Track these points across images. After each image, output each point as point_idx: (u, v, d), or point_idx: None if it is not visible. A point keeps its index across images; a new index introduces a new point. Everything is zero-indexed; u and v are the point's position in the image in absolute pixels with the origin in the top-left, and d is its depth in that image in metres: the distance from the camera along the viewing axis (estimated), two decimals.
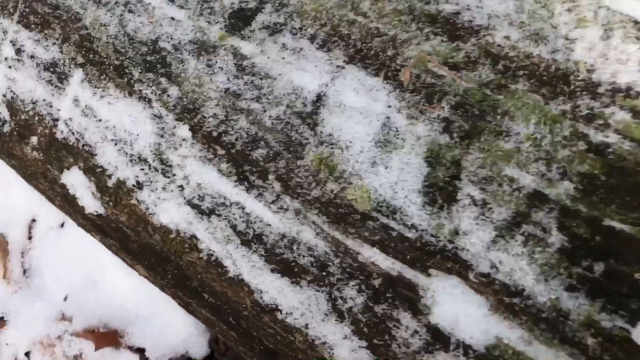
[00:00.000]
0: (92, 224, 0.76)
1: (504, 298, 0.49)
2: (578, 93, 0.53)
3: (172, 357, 0.93)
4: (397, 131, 0.55)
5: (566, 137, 0.51)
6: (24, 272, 1.08)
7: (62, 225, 1.07)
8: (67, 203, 0.78)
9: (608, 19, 0.56)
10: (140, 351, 0.96)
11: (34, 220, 1.10)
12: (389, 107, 0.56)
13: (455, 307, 0.51)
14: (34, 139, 0.74)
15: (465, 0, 0.59)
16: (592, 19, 0.56)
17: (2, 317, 1.06)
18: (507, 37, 0.57)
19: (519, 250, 0.49)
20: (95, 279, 1.01)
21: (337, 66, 0.59)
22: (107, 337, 0.97)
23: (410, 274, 0.53)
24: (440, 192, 0.52)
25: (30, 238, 1.10)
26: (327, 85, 0.59)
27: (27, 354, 1.03)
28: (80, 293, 1.02)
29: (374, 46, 0.59)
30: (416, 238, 0.53)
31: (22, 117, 0.74)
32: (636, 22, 0.55)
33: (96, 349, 0.95)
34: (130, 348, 0.97)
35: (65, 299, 1.02)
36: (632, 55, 0.53)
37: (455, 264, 0.51)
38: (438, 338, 0.52)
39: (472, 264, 0.51)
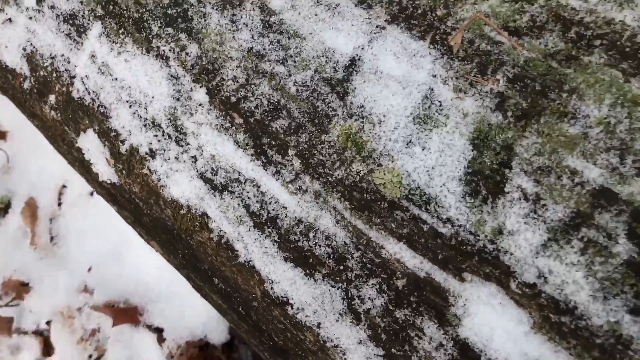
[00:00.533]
0: (108, 193, 0.72)
1: (551, 315, 0.41)
2: None
3: (190, 340, 0.90)
4: (440, 106, 0.48)
5: None
6: (51, 239, 1.07)
7: (92, 194, 1.05)
8: (84, 169, 0.74)
9: None
10: (159, 331, 0.93)
11: (64, 187, 1.09)
12: (434, 76, 0.49)
13: (491, 321, 0.43)
14: (52, 98, 0.71)
15: None
16: None
17: (28, 284, 1.05)
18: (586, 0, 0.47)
19: (574, 258, 0.41)
20: (121, 252, 0.99)
21: (377, 26, 0.52)
22: (126, 314, 0.94)
23: (440, 276, 0.46)
24: (485, 181, 0.45)
25: (59, 204, 1.09)
26: (363, 49, 0.52)
27: (47, 323, 1.02)
28: (104, 265, 1.00)
29: (422, 4, 0.52)
30: (451, 235, 0.45)
31: (41, 73, 0.71)
32: None
33: (114, 325, 0.92)
34: (149, 327, 0.94)
35: (89, 270, 1.00)
36: None
37: (495, 269, 0.43)
38: (466, 355, 0.44)
39: (516, 271, 0.43)
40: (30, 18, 0.72)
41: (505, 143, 0.46)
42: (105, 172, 0.69)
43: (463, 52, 0.49)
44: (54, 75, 0.70)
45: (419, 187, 0.48)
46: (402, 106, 0.49)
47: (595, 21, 0.47)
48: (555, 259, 0.42)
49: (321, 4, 0.55)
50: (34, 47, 0.72)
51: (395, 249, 0.48)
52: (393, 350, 0.48)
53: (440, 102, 0.48)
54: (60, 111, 0.71)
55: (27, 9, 0.71)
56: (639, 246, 0.41)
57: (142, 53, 0.62)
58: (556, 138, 0.44)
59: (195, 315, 0.91)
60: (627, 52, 0.45)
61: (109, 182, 0.69)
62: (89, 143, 0.69)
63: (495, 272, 0.44)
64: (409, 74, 0.50)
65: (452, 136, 0.47)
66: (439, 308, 0.46)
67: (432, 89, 0.49)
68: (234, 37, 0.57)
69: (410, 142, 0.48)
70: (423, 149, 0.48)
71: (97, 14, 0.66)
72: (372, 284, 0.49)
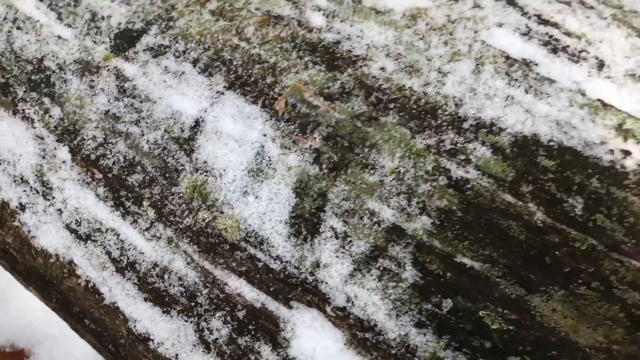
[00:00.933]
0: None
1: (358, 333, 0.52)
2: (444, 127, 0.56)
3: None
4: (269, 161, 0.58)
5: (428, 172, 0.54)
6: None
7: None
8: None
9: (482, 53, 0.59)
10: None
11: None
12: (264, 135, 0.59)
13: (313, 341, 0.53)
14: None
15: (347, 30, 0.62)
16: (466, 53, 0.59)
17: None
18: (382, 69, 0.59)
19: (373, 284, 0.52)
20: (6, 296, 1.02)
21: (217, 92, 0.62)
22: (12, 357, 0.98)
23: (273, 305, 0.55)
24: (305, 223, 0.55)
25: None
26: (205, 111, 0.61)
27: None
28: None
29: (254, 73, 0.62)
30: (280, 269, 0.55)
31: None
32: (508, 57, 0.58)
33: None
34: None
35: None
36: (499, 90, 0.56)
37: (315, 296, 0.54)
38: None
39: (330, 297, 0.53)
40: None
41: (320, 191, 0.56)
42: None
43: (287, 115, 0.60)
44: None
45: (254, 230, 0.57)
46: (238, 161, 0.59)
47: (390, 87, 0.59)
48: (360, 285, 0.53)
49: (169, 72, 0.64)
50: None
51: (237, 285, 0.57)
52: None
53: (269, 157, 0.59)
54: None
55: None
56: (422, 272, 0.52)
57: (9, 115, 0.68)
58: (359, 185, 0.56)
59: (82, 354, 0.96)
60: (414, 113, 0.57)
61: None
62: None
63: (315, 299, 0.55)
64: (244, 133, 0.60)
65: (279, 186, 0.57)
66: (272, 333, 0.56)
67: (263, 146, 0.59)
68: (92, 100, 0.65)
69: (245, 192, 0.58)
70: (256, 198, 0.58)
71: None
72: (218, 317, 0.58)
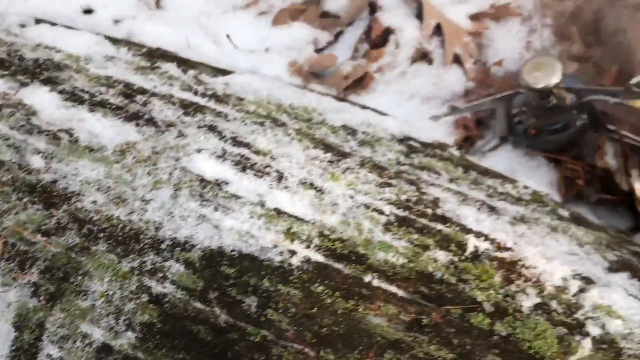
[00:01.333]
0: None
1: None
2: (146, 250, 0.67)
3: None
4: None
5: (132, 291, 0.65)
6: None
7: None
8: None
9: (180, 178, 0.71)
10: None
11: None
12: None
13: None
14: None
15: (64, 169, 0.72)
16: (167, 180, 0.71)
17: None
18: (94, 202, 0.69)
19: None
20: None
21: None
22: None
23: None
24: (24, 354, 0.63)
25: None
26: None
27: None
28: None
29: None
30: None
31: None
32: (202, 180, 0.71)
33: None
34: None
35: None
36: (192, 211, 0.69)
37: None
38: None
39: None
40: None
41: (39, 321, 0.65)
42: None
43: (7, 254, 0.68)
44: None
45: None
46: None
47: (100, 218, 0.69)
48: None
49: None
50: None
51: None
52: None
53: None
54: None
55: None
56: None
57: None
58: (74, 312, 0.65)
59: None
60: (120, 239, 0.68)
61: None
62: None
63: None
64: None
65: (0, 323, 0.65)
66: None
67: None
68: None
69: None
70: None
71: None
72: None
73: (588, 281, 0.68)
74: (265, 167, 0.74)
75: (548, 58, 0.95)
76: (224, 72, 0.90)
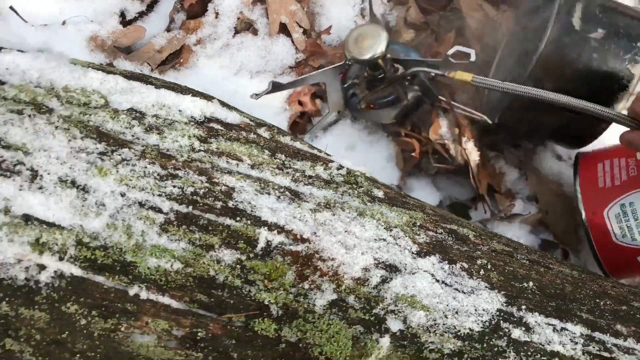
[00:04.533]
0: None
1: None
2: None
3: None
4: None
5: None
6: None
7: None
8: None
9: None
10: None
11: None
12: None
13: None
14: None
15: None
16: None
17: None
18: None
19: None
20: None
21: None
22: None
23: None
24: None
25: None
26: None
27: None
28: None
29: None
30: None
31: None
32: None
33: None
34: None
35: None
36: None
37: None
38: None
39: None
40: None
41: None
42: None
43: None
44: None
45: None
46: None
47: None
48: None
49: None
50: None
51: None
52: None
53: None
54: None
55: None
56: None
57: None
58: None
59: None
60: None
61: None
62: None
63: None
64: None
65: None
66: None
67: None
68: None
69: None
70: None
71: None
72: None
73: (392, 269, 0.63)
74: (16, 164, 0.63)
75: (373, 27, 0.90)
76: None
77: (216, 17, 1.08)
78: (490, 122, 0.92)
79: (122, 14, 1.05)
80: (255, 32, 1.09)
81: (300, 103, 1.09)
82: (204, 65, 1.07)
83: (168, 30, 1.07)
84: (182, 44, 1.06)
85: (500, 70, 1.03)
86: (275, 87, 0.96)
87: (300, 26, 1.12)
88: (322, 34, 1.08)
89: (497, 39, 1.09)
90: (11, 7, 0.96)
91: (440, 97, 0.96)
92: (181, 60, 1.06)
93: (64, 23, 1.01)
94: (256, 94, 0.95)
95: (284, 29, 1.10)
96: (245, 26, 1.09)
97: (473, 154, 1.04)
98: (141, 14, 1.08)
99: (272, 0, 1.08)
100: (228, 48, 1.08)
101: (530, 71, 0.83)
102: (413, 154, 1.05)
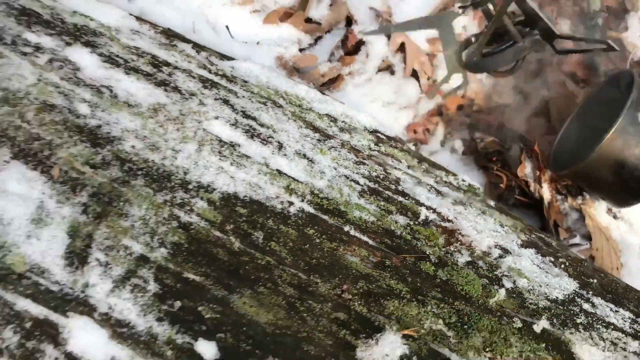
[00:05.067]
0: None
1: (117, 329, 0.83)
2: (176, 188, 0.90)
3: None
4: (48, 213, 0.87)
5: (165, 218, 0.88)
6: None
7: None
8: None
9: (203, 137, 0.95)
10: None
11: None
12: (43, 194, 0.88)
13: (86, 338, 0.83)
14: None
15: (107, 117, 0.94)
16: (192, 137, 0.95)
17: None
18: (133, 146, 0.92)
19: (127, 295, 0.84)
20: None
21: (4, 161, 0.89)
22: None
23: (54, 316, 0.83)
24: (77, 257, 0.85)
25: None
26: None
27: None
28: None
29: (34, 147, 0.90)
30: (58, 290, 0.84)
31: None
32: (220, 141, 0.96)
33: None
34: None
35: None
36: (213, 163, 0.93)
37: (85, 307, 0.83)
38: None
39: (96, 307, 0.83)
40: None
41: (88, 233, 0.87)
42: None
43: (62, 178, 0.89)
44: None
45: (36, 263, 0.86)
46: (23, 213, 0.87)
47: (138, 160, 0.92)
48: (117, 297, 0.85)
49: None
50: None
51: (24, 304, 0.85)
52: None
53: (48, 210, 0.88)
54: None
55: None
56: (160, 285, 0.85)
57: None
58: (117, 228, 0.87)
59: None
60: (155, 178, 0.91)
61: None
62: None
63: (86, 309, 0.84)
64: (27, 192, 0.88)
65: (56, 231, 0.87)
66: (53, 336, 0.84)
67: (42, 202, 0.88)
68: None
69: (29, 236, 0.86)
70: (38, 240, 0.86)
71: None
72: (9, 328, 0.84)
73: (505, 251, 0.98)
74: (269, 137, 1.00)
75: None
76: (227, 58, 1.14)
77: (366, 57, 1.46)
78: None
79: (299, 43, 1.43)
80: (392, 73, 1.47)
81: (414, 132, 1.47)
82: (350, 92, 1.44)
83: (329, 60, 1.45)
84: (338, 72, 1.44)
85: (569, 133, 1.41)
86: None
87: (425, 73, 1.49)
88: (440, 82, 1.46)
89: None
90: (227, 27, 1.35)
91: (560, 34, 1.14)
92: (335, 85, 1.43)
93: (258, 43, 1.39)
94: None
95: (414, 74, 1.48)
96: (386, 67, 1.47)
97: (547, 194, 1.40)
98: (310, 45, 1.46)
99: (410, 51, 1.45)
100: (370, 82, 1.46)
101: (596, 149, 1.19)
102: (501, 185, 1.41)
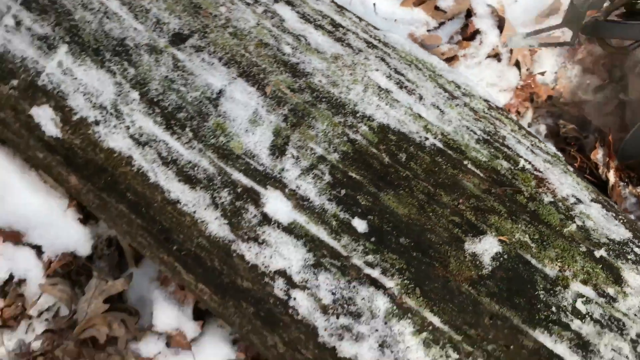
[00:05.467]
0: (44, 145, 1.35)
1: (300, 202, 1.23)
2: (347, 114, 1.30)
3: (64, 252, 1.52)
4: (260, 117, 1.27)
5: (339, 134, 1.27)
6: None
7: None
8: (24, 128, 1.35)
9: (367, 82, 1.34)
10: (38, 248, 1.53)
11: None
12: (258, 104, 1.28)
13: (277, 205, 1.23)
14: (14, 82, 1.32)
15: (303, 57, 1.34)
16: (360, 81, 1.34)
17: None
18: (320, 81, 1.32)
19: (310, 180, 1.23)
20: (3, 195, 1.55)
21: (232, 77, 1.30)
22: (9, 235, 1.52)
23: (257, 187, 1.24)
24: (278, 150, 1.25)
25: None
26: (225, 86, 1.28)
27: None
28: None
29: (253, 71, 1.31)
30: (263, 170, 1.24)
31: (9, 66, 1.32)
32: (380, 87, 1.35)
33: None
34: (29, 245, 1.53)
35: None
36: (374, 101, 1.32)
37: (279, 184, 1.23)
38: (266, 218, 1.23)
39: (287, 185, 1.23)
40: (8, 31, 1.32)
41: (286, 135, 1.27)
42: (52, 131, 1.32)
43: (272, 95, 1.29)
44: (22, 69, 1.32)
45: (250, 149, 1.26)
46: (244, 114, 1.27)
47: (323, 91, 1.32)
48: (303, 180, 1.24)
49: (205, 61, 1.30)
50: (6, 49, 1.32)
51: (238, 176, 1.25)
52: (233, 220, 1.25)
53: (261, 115, 1.28)
54: (20, 90, 1.33)
55: (5, 25, 1.32)
56: (333, 177, 1.25)
57: (97, 67, 1.30)
58: (307, 135, 1.27)
59: (67, 237, 1.54)
60: (333, 105, 1.31)
61: (53, 137, 1.33)
62: (43, 112, 1.32)
63: (280, 185, 1.25)
64: (247, 101, 1.29)
65: (265, 130, 1.27)
66: (256, 199, 1.24)
67: (257, 110, 1.28)
68: (157, 69, 1.29)
69: (247, 130, 1.27)
70: (253, 134, 1.26)
71: (65, 40, 1.31)
72: (225, 190, 1.25)
73: (579, 201, 1.34)
74: (413, 90, 1.37)
75: None
76: (377, 28, 1.52)
77: (480, 44, 1.81)
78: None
79: (427, 24, 1.80)
80: (499, 60, 1.82)
81: (509, 111, 1.82)
82: (462, 71, 1.79)
83: (448, 42, 1.82)
84: (455, 53, 1.80)
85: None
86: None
87: (525, 64, 1.85)
88: (539, 73, 1.80)
89: None
90: (374, 4, 1.72)
91: None
92: (451, 63, 1.80)
93: (395, 21, 1.76)
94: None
95: (517, 63, 1.83)
96: (494, 54, 1.82)
97: (612, 178, 1.74)
98: (435, 28, 1.82)
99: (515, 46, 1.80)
100: (480, 65, 1.81)
101: None
102: (575, 164, 1.76)
